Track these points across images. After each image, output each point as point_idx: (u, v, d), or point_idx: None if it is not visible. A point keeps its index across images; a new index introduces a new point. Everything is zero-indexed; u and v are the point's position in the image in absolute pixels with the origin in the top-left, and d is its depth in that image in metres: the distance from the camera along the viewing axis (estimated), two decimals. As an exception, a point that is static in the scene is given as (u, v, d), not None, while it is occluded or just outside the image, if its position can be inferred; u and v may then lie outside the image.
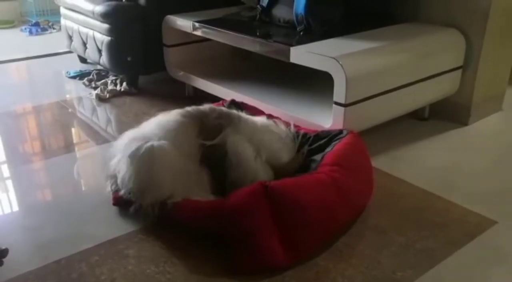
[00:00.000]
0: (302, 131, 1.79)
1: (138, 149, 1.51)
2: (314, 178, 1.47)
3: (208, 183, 1.55)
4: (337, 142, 1.65)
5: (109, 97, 2.62)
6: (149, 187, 1.50)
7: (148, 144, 1.51)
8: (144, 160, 1.50)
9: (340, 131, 1.72)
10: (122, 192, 1.57)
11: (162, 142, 1.52)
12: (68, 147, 2.13)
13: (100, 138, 2.20)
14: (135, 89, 2.70)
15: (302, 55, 1.86)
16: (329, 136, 1.72)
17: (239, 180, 1.53)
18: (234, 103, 2.00)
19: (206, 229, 1.44)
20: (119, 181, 1.57)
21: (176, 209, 1.47)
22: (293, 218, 1.37)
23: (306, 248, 1.39)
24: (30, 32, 4.06)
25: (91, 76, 2.87)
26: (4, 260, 1.39)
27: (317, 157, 1.62)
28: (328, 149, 1.63)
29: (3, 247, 1.39)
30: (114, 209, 1.62)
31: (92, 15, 2.63)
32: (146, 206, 1.50)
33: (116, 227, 1.54)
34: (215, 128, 1.60)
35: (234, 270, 1.34)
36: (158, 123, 1.62)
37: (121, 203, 1.60)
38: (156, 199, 1.49)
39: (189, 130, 1.59)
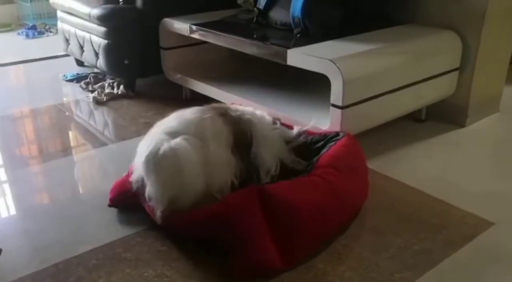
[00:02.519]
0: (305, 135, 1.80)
1: (154, 155, 1.39)
2: (308, 180, 1.47)
3: (238, 169, 1.51)
4: (332, 143, 1.66)
5: (106, 101, 2.62)
6: (184, 191, 1.41)
7: (165, 147, 1.39)
8: (167, 166, 1.39)
9: (337, 134, 1.72)
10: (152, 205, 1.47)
11: (178, 140, 1.42)
12: (66, 150, 2.13)
13: (97, 141, 2.20)
14: (132, 92, 2.70)
15: (299, 57, 1.86)
16: (326, 139, 1.72)
17: (266, 161, 1.55)
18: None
19: (202, 234, 1.43)
20: (146, 194, 1.45)
21: (171, 216, 1.45)
22: (288, 221, 1.36)
23: (301, 251, 1.38)
24: (27, 36, 4.06)
25: (88, 80, 2.87)
26: (2, 263, 1.38)
27: (313, 159, 1.62)
28: (323, 151, 1.64)
29: (-3, 248, 1.39)
30: (112, 213, 1.62)
31: (89, 18, 2.63)
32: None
33: (114, 230, 1.54)
34: (237, 120, 1.58)
35: (231, 274, 1.33)
36: (179, 118, 1.53)
37: (117, 205, 1.59)
38: (194, 200, 1.42)
39: (216, 121, 1.54)
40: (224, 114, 1.57)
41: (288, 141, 1.70)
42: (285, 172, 1.61)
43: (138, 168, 1.48)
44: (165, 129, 1.49)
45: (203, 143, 1.46)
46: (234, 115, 1.59)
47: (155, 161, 1.40)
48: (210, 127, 1.50)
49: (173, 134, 1.46)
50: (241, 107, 1.70)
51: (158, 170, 1.40)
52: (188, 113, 1.55)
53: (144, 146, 1.47)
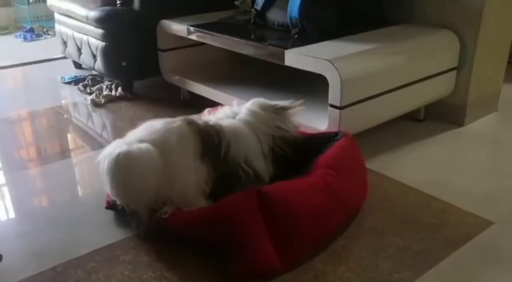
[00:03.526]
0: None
1: (107, 158, 1.45)
2: (307, 181, 1.47)
3: (207, 176, 1.51)
4: (331, 144, 1.65)
5: (105, 103, 2.62)
6: (133, 196, 1.47)
7: (116, 151, 1.44)
8: (118, 169, 1.44)
9: (336, 134, 1.72)
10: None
11: (134, 145, 1.46)
12: (64, 152, 2.12)
13: (95, 143, 2.19)
14: (130, 94, 2.70)
15: (297, 58, 1.86)
16: (324, 139, 1.71)
17: (238, 155, 1.54)
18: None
19: (200, 237, 1.43)
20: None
21: (168, 218, 1.45)
22: (287, 222, 1.36)
23: (300, 252, 1.38)
24: (25, 38, 4.05)
25: (86, 82, 2.86)
26: (0, 266, 1.38)
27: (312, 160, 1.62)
28: (322, 152, 1.63)
29: (-2, 254, 1.39)
30: (110, 215, 1.62)
31: (86, 20, 2.63)
32: (137, 214, 1.48)
33: (112, 232, 1.53)
34: (206, 128, 1.57)
35: (230, 276, 1.33)
36: (147, 128, 1.56)
37: (114, 207, 1.60)
38: (144, 206, 1.47)
39: (182, 130, 1.54)
40: (192, 123, 1.57)
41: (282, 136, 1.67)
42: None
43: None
44: (130, 138, 1.52)
45: (165, 151, 1.47)
46: (203, 124, 1.58)
47: (109, 164, 1.44)
48: (176, 136, 1.51)
49: (135, 142, 1.49)
50: (214, 117, 1.68)
51: (110, 172, 1.45)
52: (156, 124, 1.57)
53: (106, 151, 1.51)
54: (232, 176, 1.54)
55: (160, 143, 1.49)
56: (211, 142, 1.54)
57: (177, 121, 1.57)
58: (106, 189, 1.53)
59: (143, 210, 1.47)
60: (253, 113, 1.65)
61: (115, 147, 1.47)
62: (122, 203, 1.52)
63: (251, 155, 1.58)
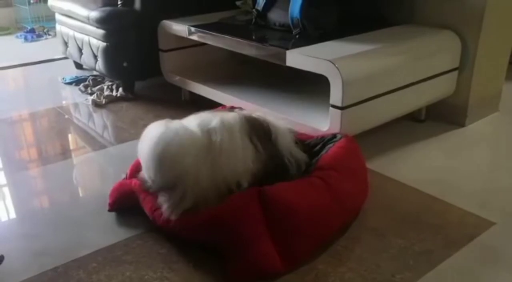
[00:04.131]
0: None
1: (147, 142, 1.45)
2: (308, 182, 1.47)
3: (254, 156, 1.50)
4: (331, 145, 1.65)
5: (106, 103, 2.62)
6: (185, 179, 1.43)
7: (154, 133, 1.44)
8: (158, 151, 1.42)
9: (334, 136, 1.72)
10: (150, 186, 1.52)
11: (181, 128, 1.45)
12: (65, 153, 2.12)
13: (96, 144, 2.19)
14: (131, 95, 2.70)
15: (298, 58, 1.86)
16: (324, 141, 1.71)
17: (284, 146, 1.56)
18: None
19: (202, 237, 1.43)
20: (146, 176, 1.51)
21: (170, 220, 1.44)
22: (288, 223, 1.36)
23: (302, 253, 1.38)
24: (26, 39, 4.05)
25: (87, 82, 2.86)
26: (0, 268, 1.38)
27: (312, 161, 1.62)
28: (322, 153, 1.63)
29: (-1, 254, 1.39)
30: (111, 216, 1.62)
31: (87, 21, 2.63)
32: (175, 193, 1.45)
33: (114, 233, 1.53)
34: (250, 116, 1.59)
35: (232, 277, 1.33)
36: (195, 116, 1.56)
37: (117, 209, 1.59)
38: (187, 186, 1.43)
39: (230, 114, 1.55)
40: (236, 111, 1.58)
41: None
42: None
43: (143, 158, 1.49)
44: (180, 122, 1.51)
45: (209, 131, 1.47)
46: (246, 113, 1.59)
47: (155, 149, 1.42)
48: (220, 119, 1.50)
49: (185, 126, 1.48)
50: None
51: (158, 157, 1.43)
52: (201, 114, 1.57)
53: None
54: (280, 165, 1.54)
55: (203, 124, 1.48)
56: (260, 126, 1.55)
57: (222, 110, 1.58)
58: (148, 173, 1.49)
59: (187, 188, 1.43)
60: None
61: (153, 130, 1.47)
62: (165, 183, 1.47)
63: (292, 147, 1.60)
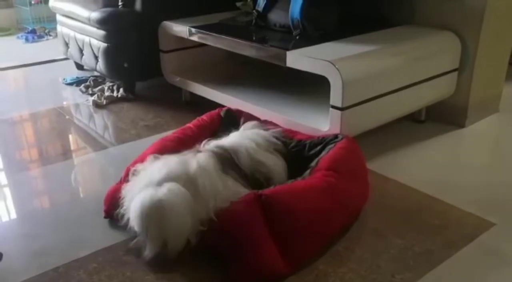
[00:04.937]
0: (295, 139, 1.79)
1: (138, 208, 1.38)
2: (308, 183, 1.47)
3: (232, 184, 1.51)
4: (331, 146, 1.66)
5: (106, 104, 2.62)
6: (172, 236, 1.39)
7: (147, 199, 1.37)
8: (153, 217, 1.37)
9: (335, 136, 1.72)
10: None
11: (164, 190, 1.39)
12: (66, 153, 2.13)
13: (97, 145, 2.20)
14: (132, 95, 2.70)
15: (299, 59, 1.86)
16: (324, 142, 1.71)
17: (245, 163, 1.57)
18: (229, 112, 2.00)
19: (203, 241, 1.42)
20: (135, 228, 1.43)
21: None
22: (289, 225, 1.36)
23: (303, 254, 1.38)
24: (27, 40, 4.06)
25: (88, 83, 2.87)
26: (1, 267, 1.38)
27: (312, 163, 1.62)
28: (322, 154, 1.63)
29: (-2, 252, 1.39)
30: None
31: (88, 21, 2.63)
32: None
33: (114, 233, 1.53)
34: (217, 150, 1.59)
35: (233, 280, 1.33)
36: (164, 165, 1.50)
37: (113, 217, 1.56)
38: (182, 242, 1.41)
39: (199, 156, 1.54)
40: (201, 150, 1.57)
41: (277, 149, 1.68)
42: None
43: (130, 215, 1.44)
44: (152, 180, 1.44)
45: (190, 180, 1.43)
46: (212, 148, 1.59)
47: (143, 215, 1.37)
48: (193, 163, 1.48)
49: (158, 183, 1.42)
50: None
51: (147, 222, 1.38)
52: (169, 160, 1.52)
53: (136, 197, 1.42)
54: (257, 180, 1.55)
55: (183, 176, 1.44)
56: (226, 157, 1.55)
57: (187, 153, 1.56)
58: (138, 232, 1.42)
59: (178, 243, 1.40)
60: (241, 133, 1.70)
61: (142, 193, 1.40)
62: (157, 243, 1.41)
63: (259, 160, 1.59)
